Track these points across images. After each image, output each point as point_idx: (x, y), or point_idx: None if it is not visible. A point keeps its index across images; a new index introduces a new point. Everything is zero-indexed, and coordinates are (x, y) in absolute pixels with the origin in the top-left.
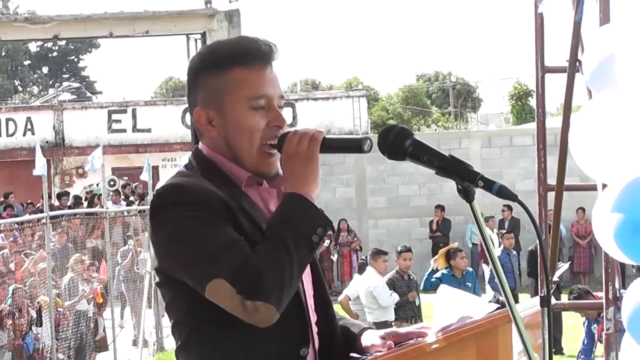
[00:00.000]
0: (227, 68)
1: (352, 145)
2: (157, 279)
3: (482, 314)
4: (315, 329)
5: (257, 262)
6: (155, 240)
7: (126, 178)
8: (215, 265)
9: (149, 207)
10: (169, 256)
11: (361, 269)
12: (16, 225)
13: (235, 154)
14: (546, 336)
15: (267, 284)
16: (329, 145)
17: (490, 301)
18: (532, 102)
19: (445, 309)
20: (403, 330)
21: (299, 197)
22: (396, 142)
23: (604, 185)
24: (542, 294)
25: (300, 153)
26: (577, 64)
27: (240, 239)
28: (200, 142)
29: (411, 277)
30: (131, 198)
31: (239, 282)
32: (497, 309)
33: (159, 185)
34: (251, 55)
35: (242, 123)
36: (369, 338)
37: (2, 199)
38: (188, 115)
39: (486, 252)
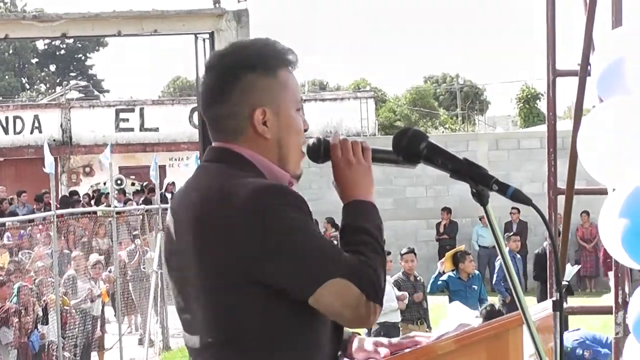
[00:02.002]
0: (274, 69)
1: (396, 159)
2: (225, 282)
3: (477, 323)
4: None
5: (373, 266)
6: (253, 240)
7: (133, 177)
8: (336, 265)
9: (201, 208)
10: (275, 256)
11: None
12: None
13: (283, 155)
14: (558, 340)
15: (382, 287)
16: (375, 157)
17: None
18: (540, 105)
19: (449, 321)
20: (395, 340)
21: (375, 207)
22: (411, 146)
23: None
24: (555, 298)
25: (362, 163)
26: (589, 67)
27: None
28: (229, 143)
29: (417, 278)
30: (135, 198)
31: (365, 283)
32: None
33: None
34: (292, 60)
35: (294, 124)
36: (360, 345)
37: (16, 197)
38: (196, 115)
39: (500, 254)
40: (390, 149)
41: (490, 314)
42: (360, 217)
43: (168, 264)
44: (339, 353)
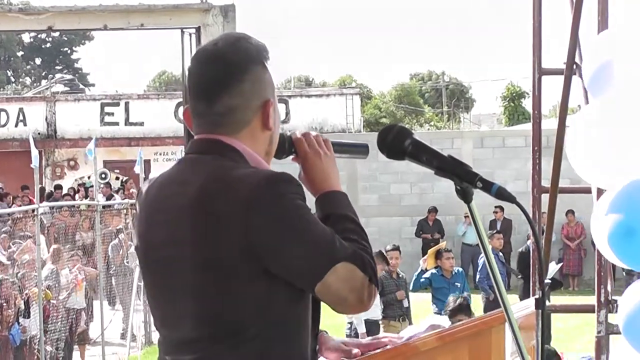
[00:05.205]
0: (265, 64)
1: (354, 151)
2: (226, 273)
3: (448, 324)
4: None
5: (367, 250)
6: (264, 228)
7: (117, 171)
8: (340, 250)
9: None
10: (287, 244)
11: None
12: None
13: (271, 150)
14: (540, 338)
15: (376, 271)
16: (335, 149)
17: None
18: (525, 103)
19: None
20: (366, 340)
21: (348, 197)
22: (396, 142)
23: (599, 189)
24: (537, 296)
25: (329, 155)
26: (574, 66)
27: None
28: (222, 135)
29: (400, 275)
30: (118, 194)
31: (367, 268)
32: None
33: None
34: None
35: (278, 119)
36: (328, 343)
37: None
38: (181, 109)
39: (483, 252)
40: (346, 140)
41: (460, 308)
42: (340, 206)
43: (146, 255)
44: (317, 346)
